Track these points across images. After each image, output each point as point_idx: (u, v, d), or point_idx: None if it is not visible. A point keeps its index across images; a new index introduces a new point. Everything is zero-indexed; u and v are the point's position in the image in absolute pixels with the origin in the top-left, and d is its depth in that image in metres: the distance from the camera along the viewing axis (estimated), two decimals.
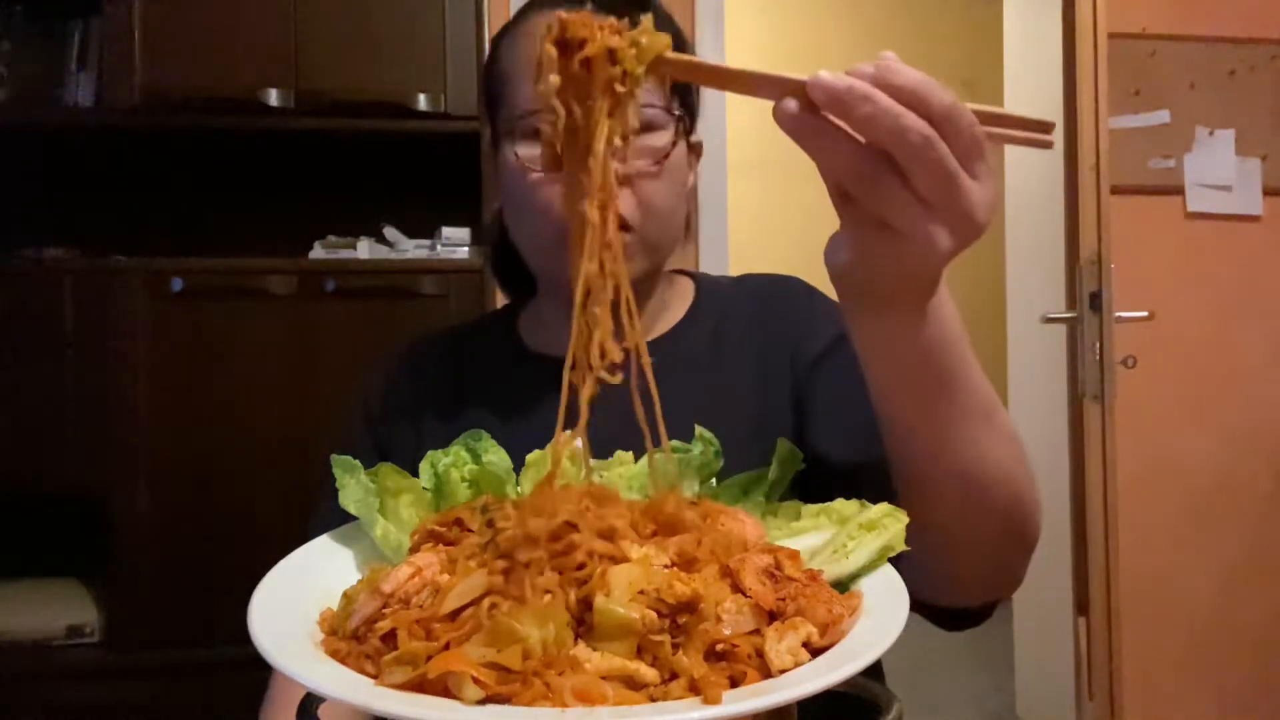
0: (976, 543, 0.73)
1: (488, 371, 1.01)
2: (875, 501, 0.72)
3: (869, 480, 0.77)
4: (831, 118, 0.53)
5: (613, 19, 0.57)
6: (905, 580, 0.72)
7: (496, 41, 0.96)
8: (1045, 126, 0.60)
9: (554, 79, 0.56)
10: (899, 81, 0.52)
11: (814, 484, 0.76)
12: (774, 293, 1.00)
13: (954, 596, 0.80)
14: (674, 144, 0.90)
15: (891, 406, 0.68)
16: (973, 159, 0.54)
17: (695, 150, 0.99)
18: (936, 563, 0.74)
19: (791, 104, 0.54)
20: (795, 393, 0.91)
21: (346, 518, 0.71)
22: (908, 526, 0.71)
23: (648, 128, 0.88)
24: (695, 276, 1.07)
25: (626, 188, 0.88)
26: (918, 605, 0.80)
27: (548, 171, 0.86)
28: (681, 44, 0.95)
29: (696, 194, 1.02)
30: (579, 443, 0.79)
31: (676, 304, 1.02)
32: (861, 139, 0.53)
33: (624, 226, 0.88)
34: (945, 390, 0.65)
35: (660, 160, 0.89)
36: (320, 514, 0.81)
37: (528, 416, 0.92)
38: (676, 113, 0.91)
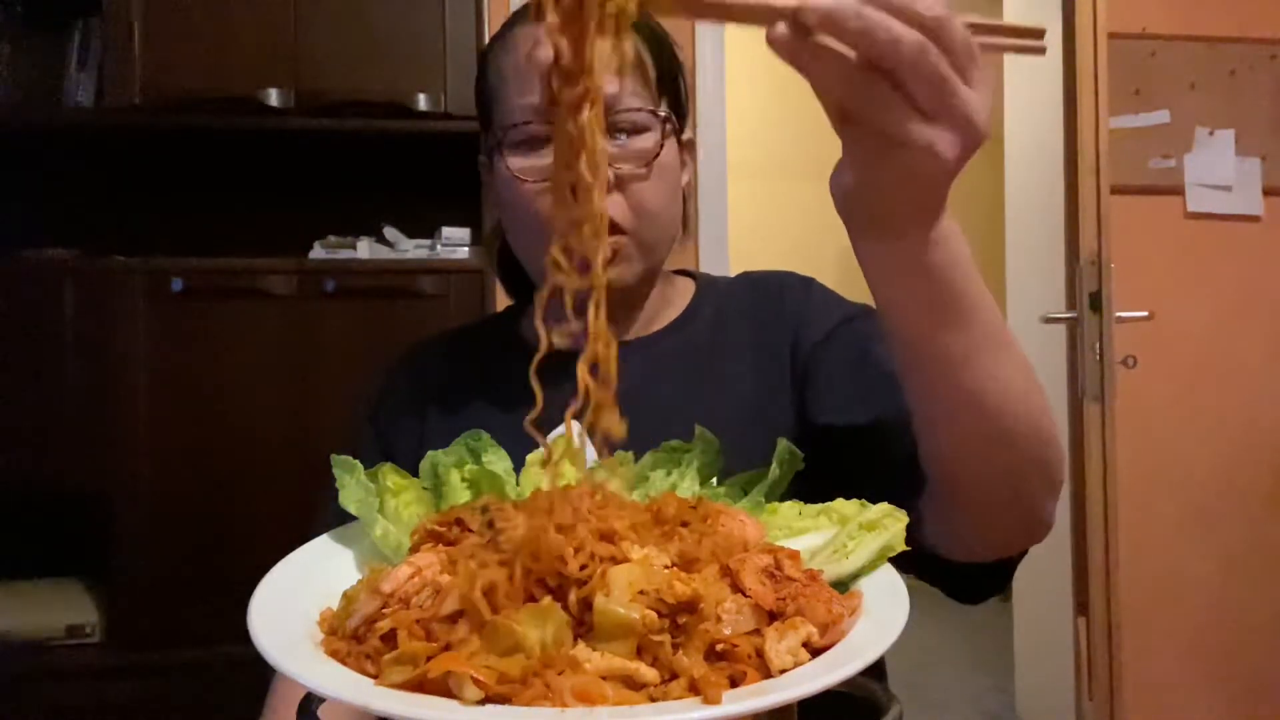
0: (1003, 477, 0.73)
1: (491, 369, 1.02)
2: (889, 458, 0.75)
3: (881, 439, 0.80)
4: (825, 39, 0.54)
5: None
6: (935, 541, 0.76)
7: (484, 57, 0.98)
8: (1036, 33, 0.60)
9: (552, 18, 0.57)
10: None
11: (822, 456, 0.76)
12: (772, 286, 1.02)
13: (986, 546, 0.79)
14: (661, 145, 0.91)
15: (908, 335, 0.67)
16: (967, 67, 0.54)
17: (688, 148, 1.00)
18: (966, 509, 0.74)
19: (782, 28, 0.54)
20: (797, 381, 0.93)
21: (347, 518, 0.71)
22: (935, 477, 0.73)
23: (635, 130, 0.90)
24: (695, 276, 1.08)
25: (617, 192, 0.89)
26: (940, 578, 0.82)
27: (541, 165, 0.88)
28: (673, 53, 0.96)
29: (696, 191, 1.03)
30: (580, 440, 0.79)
31: (677, 301, 1.04)
32: (854, 55, 0.53)
33: (618, 230, 0.90)
34: (959, 315, 0.65)
35: (649, 162, 0.90)
36: (321, 514, 0.82)
37: (528, 401, 0.93)
38: (662, 114, 0.92)
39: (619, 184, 0.89)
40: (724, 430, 0.77)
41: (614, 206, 0.89)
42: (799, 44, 0.54)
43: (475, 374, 1.02)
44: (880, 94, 0.54)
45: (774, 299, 1.00)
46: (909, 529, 0.73)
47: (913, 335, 0.66)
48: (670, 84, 0.96)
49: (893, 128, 0.54)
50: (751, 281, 1.05)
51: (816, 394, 0.90)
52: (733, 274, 1.09)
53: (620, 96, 0.90)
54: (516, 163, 0.90)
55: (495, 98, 0.94)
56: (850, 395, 0.87)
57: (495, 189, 0.96)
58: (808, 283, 1.02)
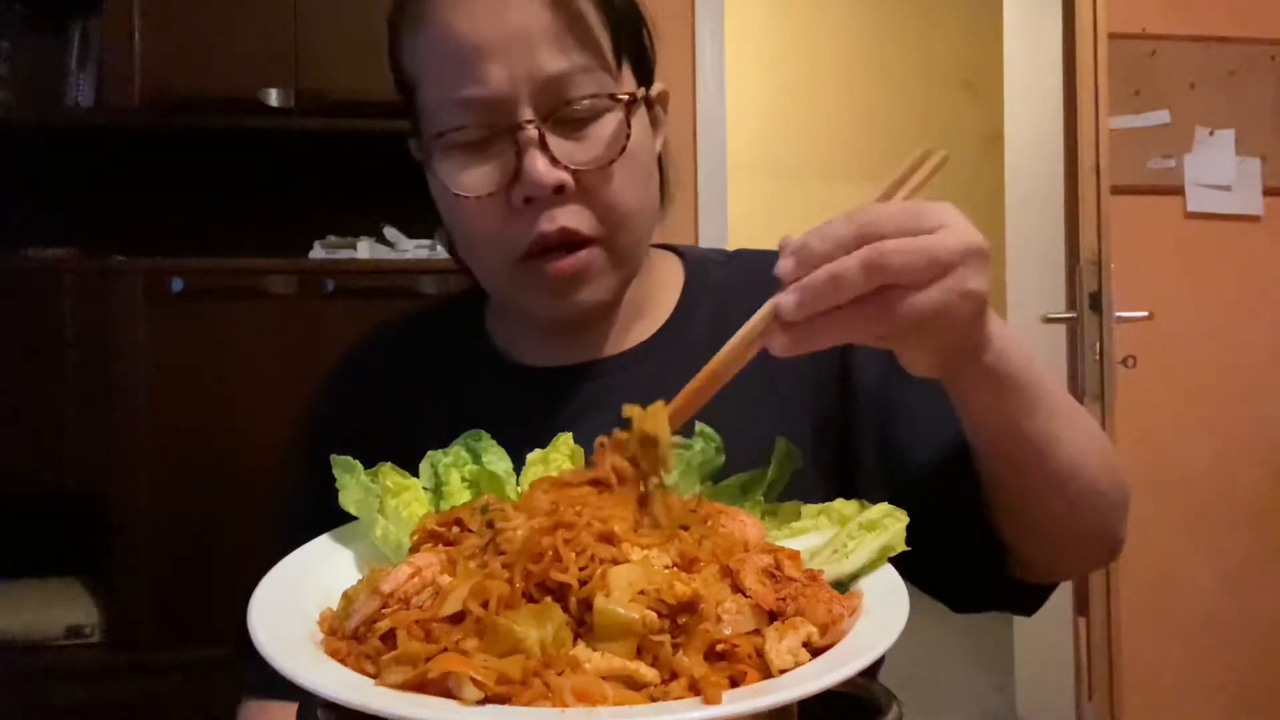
0: (1087, 524, 0.75)
1: (458, 379, 0.90)
2: (968, 514, 0.75)
3: (961, 497, 0.77)
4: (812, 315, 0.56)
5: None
6: (1002, 566, 0.77)
7: (393, 26, 0.81)
8: (938, 160, 0.63)
9: None
10: (829, 243, 0.56)
11: (898, 493, 0.70)
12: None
13: (1062, 571, 0.82)
14: (628, 134, 0.77)
15: (1000, 436, 0.69)
16: (915, 225, 0.56)
17: (660, 102, 0.85)
18: (1047, 548, 0.76)
19: (779, 340, 0.58)
20: (846, 390, 0.84)
21: (308, 538, 0.69)
22: (1002, 519, 0.74)
23: (591, 118, 0.76)
24: (682, 254, 0.94)
25: (576, 202, 0.76)
26: (985, 599, 0.81)
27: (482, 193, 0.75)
28: (642, 20, 0.84)
29: (668, 154, 0.88)
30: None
31: (664, 295, 0.90)
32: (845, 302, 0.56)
33: (581, 242, 0.77)
34: (1038, 400, 0.67)
35: (614, 158, 0.76)
36: (278, 543, 0.69)
37: (505, 427, 0.79)
38: (623, 96, 0.77)
39: (580, 189, 0.76)
40: (730, 435, 0.72)
41: (575, 217, 0.76)
42: (800, 338, 0.57)
43: (442, 380, 0.90)
44: (888, 305, 0.56)
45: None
46: (986, 575, 0.78)
47: (1005, 433, 0.68)
48: (631, 38, 0.80)
49: (923, 313, 0.56)
50: (750, 265, 0.91)
51: (903, 453, 0.81)
52: None
53: (569, 78, 0.75)
54: (454, 179, 0.77)
55: (414, 85, 0.80)
56: (940, 465, 0.79)
57: (434, 190, 0.83)
58: None
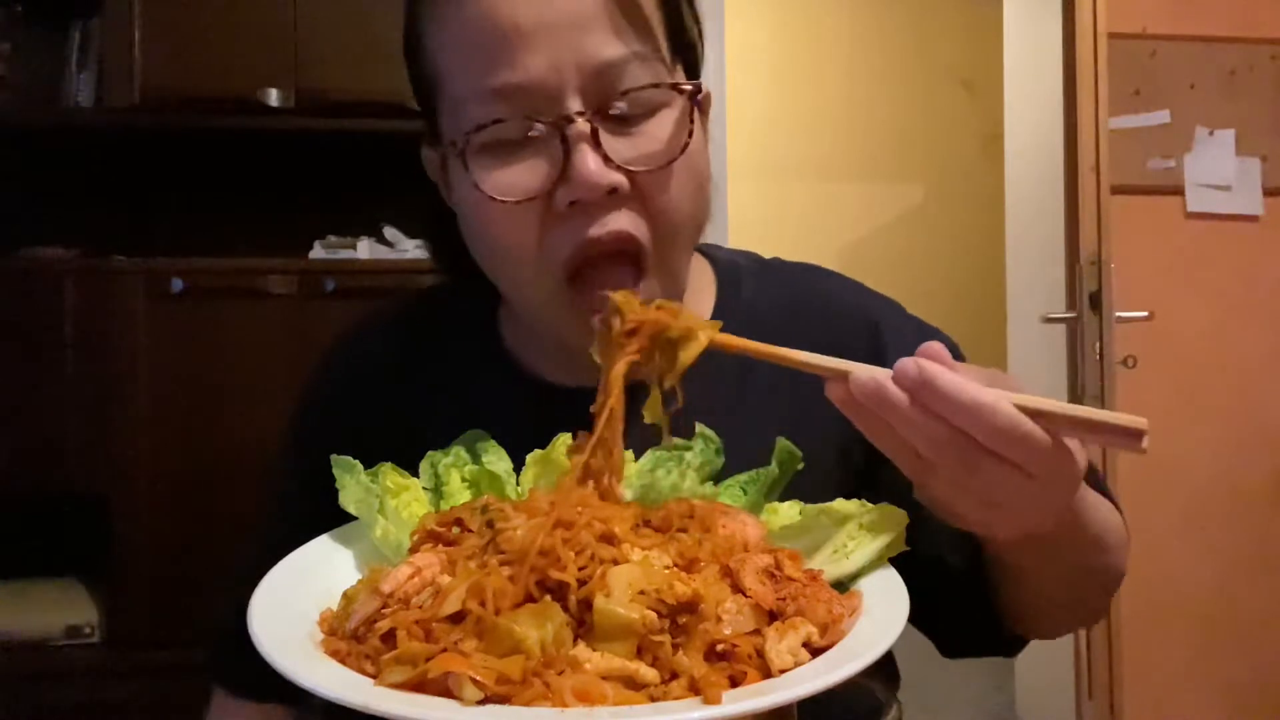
0: (1091, 608, 0.81)
1: (466, 385, 0.83)
2: (974, 580, 0.76)
3: (969, 564, 0.77)
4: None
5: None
6: (995, 627, 0.78)
7: (411, 18, 0.73)
8: (1137, 433, 0.52)
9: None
10: (938, 408, 0.52)
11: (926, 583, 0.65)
12: (815, 309, 0.82)
13: (1050, 634, 0.83)
14: (690, 131, 0.68)
15: (1043, 566, 0.69)
16: (1023, 460, 0.53)
17: (705, 106, 0.73)
18: (1035, 622, 0.79)
19: (837, 389, 0.55)
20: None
21: (292, 547, 0.67)
22: (1007, 601, 0.75)
23: (646, 113, 0.68)
24: (713, 258, 0.86)
25: (629, 208, 0.67)
26: (975, 647, 0.83)
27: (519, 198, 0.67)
28: (693, 9, 0.76)
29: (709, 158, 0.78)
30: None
31: (695, 306, 0.81)
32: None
33: (635, 250, 0.69)
34: (1096, 537, 0.68)
35: (674, 157, 0.67)
36: (261, 549, 0.66)
37: (525, 447, 0.73)
38: (687, 88, 0.69)
39: (635, 191, 0.67)
40: (758, 462, 0.70)
41: (629, 222, 0.68)
42: (852, 409, 0.55)
43: (445, 393, 0.83)
44: (932, 470, 0.55)
45: (820, 313, 0.81)
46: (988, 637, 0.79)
47: (1049, 568, 0.68)
48: (682, 31, 0.72)
49: (956, 502, 0.57)
50: (785, 287, 0.84)
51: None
52: None
53: (624, 67, 0.66)
54: (490, 180, 0.67)
55: (439, 81, 0.71)
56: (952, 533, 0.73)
57: (456, 200, 0.75)
58: (858, 289, 0.84)
